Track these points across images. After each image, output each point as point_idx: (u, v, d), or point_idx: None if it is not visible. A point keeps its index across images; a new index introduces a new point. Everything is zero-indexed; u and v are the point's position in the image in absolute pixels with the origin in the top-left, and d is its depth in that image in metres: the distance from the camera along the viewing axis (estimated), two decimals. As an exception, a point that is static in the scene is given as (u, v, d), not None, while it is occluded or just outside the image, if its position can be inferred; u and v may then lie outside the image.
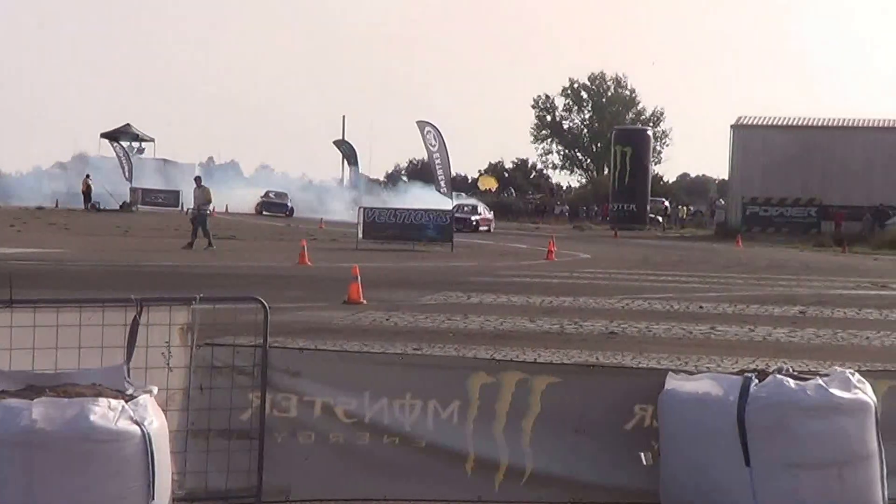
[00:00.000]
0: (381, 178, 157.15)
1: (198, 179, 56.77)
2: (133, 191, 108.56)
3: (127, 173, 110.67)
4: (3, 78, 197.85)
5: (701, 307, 31.34)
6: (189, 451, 10.41)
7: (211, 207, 55.15)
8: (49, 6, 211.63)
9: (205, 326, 10.55)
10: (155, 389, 9.48)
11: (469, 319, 26.60)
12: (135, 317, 9.98)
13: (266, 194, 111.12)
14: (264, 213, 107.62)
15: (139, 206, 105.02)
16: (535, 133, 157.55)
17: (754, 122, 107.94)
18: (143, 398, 9.15)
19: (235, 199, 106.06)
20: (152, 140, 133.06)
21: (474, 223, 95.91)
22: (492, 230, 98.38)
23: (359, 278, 30.32)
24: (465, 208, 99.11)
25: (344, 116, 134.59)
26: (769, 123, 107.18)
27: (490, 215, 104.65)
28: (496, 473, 11.11)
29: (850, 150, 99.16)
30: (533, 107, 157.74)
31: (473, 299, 31.83)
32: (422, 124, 65.51)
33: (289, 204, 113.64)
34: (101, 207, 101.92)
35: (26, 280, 27.67)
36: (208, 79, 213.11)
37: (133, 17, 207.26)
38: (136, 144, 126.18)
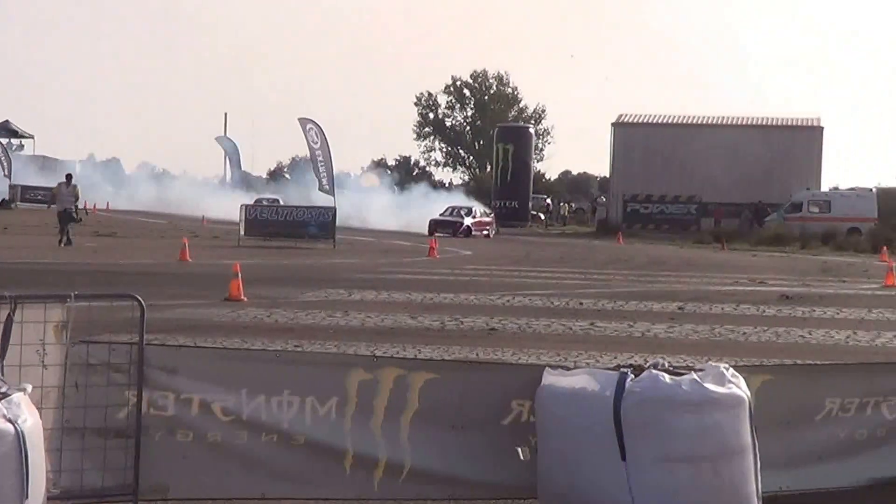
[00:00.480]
0: (264, 176, 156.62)
1: (68, 177, 56.79)
2: (12, 188, 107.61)
3: (5, 170, 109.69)
4: None
5: (581, 303, 31.53)
6: (64, 449, 10.31)
7: (80, 204, 54.67)
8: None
9: (80, 324, 10.46)
10: (29, 387, 9.41)
11: (350, 316, 26.62)
12: (8, 314, 9.88)
13: (258, 201, 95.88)
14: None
15: (18, 203, 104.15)
16: (417, 131, 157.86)
17: (635, 121, 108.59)
18: (17, 396, 9.07)
19: (218, 207, 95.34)
20: (31, 137, 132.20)
21: (465, 228, 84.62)
22: (492, 236, 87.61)
23: (240, 275, 30.23)
24: (456, 211, 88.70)
25: (226, 113, 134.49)
26: (650, 122, 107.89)
27: (489, 218, 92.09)
28: (375, 470, 11.08)
29: (730, 148, 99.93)
30: (416, 104, 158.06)
31: (355, 296, 31.85)
32: (303, 121, 65.40)
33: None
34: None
35: None
36: (88, 75, 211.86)
37: (9, 12, 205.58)
38: (14, 141, 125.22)
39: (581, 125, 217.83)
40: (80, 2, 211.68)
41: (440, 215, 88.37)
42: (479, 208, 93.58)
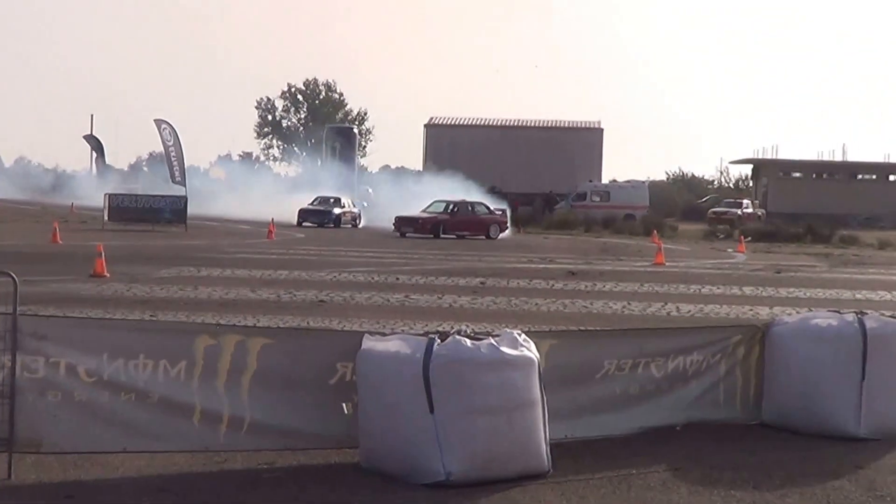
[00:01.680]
0: (125, 168, 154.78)
1: None
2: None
3: None
4: None
5: (397, 279, 31.60)
6: (-59, 410, 10.17)
7: None
8: None
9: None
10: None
11: (199, 290, 26.48)
12: None
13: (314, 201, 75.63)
14: (304, 224, 70.85)
15: None
16: (258, 130, 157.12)
17: (444, 123, 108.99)
18: None
19: (85, 196, 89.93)
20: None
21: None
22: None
23: (103, 255, 29.94)
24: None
25: (92, 115, 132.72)
26: (457, 123, 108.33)
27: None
28: (220, 425, 11.03)
29: (524, 146, 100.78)
30: (256, 107, 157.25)
31: (203, 273, 31.67)
32: (159, 122, 65.13)
33: (336, 211, 72.94)
34: None
35: None
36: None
37: None
38: None
39: (399, 126, 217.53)
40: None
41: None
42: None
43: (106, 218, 58.56)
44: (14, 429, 10.38)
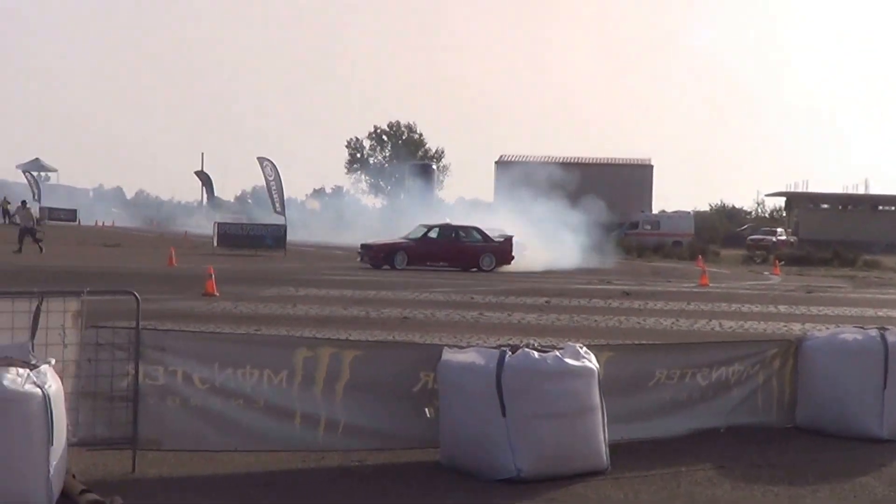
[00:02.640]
0: (232, 200, 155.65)
1: (23, 203, 58.16)
2: (41, 209, 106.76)
3: (36, 196, 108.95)
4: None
5: (472, 298, 31.55)
6: (80, 408, 10.27)
7: (32, 223, 54.34)
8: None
9: (92, 313, 10.42)
10: (53, 361, 9.37)
11: (297, 308, 26.58)
12: (38, 305, 9.84)
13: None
14: None
15: (47, 221, 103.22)
16: (348, 166, 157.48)
17: (512, 160, 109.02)
18: (44, 367, 9.04)
19: (197, 225, 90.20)
20: (56, 170, 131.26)
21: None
22: (490, 268, 50.25)
23: (213, 276, 30.15)
24: (453, 233, 52.04)
25: (203, 153, 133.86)
26: (523, 160, 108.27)
27: (507, 246, 51.76)
28: (318, 427, 11.09)
29: (584, 180, 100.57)
30: (346, 146, 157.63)
31: (301, 292, 31.72)
32: (261, 159, 65.33)
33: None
34: (17, 222, 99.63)
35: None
36: (100, 120, 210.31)
37: (41, 72, 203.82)
38: (43, 173, 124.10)
39: (472, 162, 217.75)
40: (86, 62, 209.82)
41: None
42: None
43: (215, 244, 58.84)
44: (137, 429, 10.49)
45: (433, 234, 51.48)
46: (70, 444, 9.50)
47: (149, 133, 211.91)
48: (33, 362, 9.15)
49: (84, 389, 10.36)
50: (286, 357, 11.09)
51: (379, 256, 48.85)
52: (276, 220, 62.79)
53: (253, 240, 59.53)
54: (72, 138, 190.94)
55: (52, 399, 8.83)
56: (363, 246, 50.86)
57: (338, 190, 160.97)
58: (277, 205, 64.49)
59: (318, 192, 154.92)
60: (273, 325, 22.07)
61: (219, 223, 62.97)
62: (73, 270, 38.06)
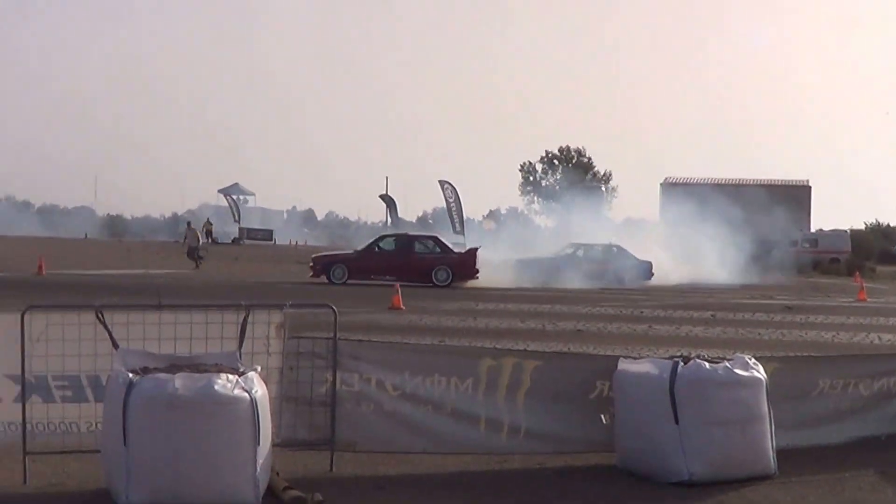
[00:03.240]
0: (414, 221, 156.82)
1: (189, 224, 59.44)
2: (240, 230, 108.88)
3: (236, 217, 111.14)
4: (154, 145, 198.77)
5: (642, 312, 31.32)
6: (283, 412, 10.43)
7: (197, 243, 55.51)
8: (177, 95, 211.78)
9: (294, 324, 10.59)
10: (259, 368, 9.51)
11: (477, 321, 26.64)
12: (245, 317, 10.01)
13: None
14: None
15: (245, 240, 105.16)
16: (521, 189, 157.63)
17: (677, 182, 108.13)
18: (251, 374, 9.18)
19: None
20: (253, 194, 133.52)
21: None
22: (445, 282, 44.05)
23: (399, 291, 30.43)
24: (408, 244, 46.43)
25: (387, 177, 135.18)
26: (687, 182, 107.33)
27: (469, 258, 45.53)
28: (501, 432, 11.11)
29: (745, 201, 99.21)
30: (520, 170, 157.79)
31: (480, 306, 31.83)
32: (442, 182, 65.83)
33: None
34: (219, 241, 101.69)
35: (169, 290, 27.77)
36: (292, 147, 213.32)
37: (243, 104, 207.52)
38: (242, 197, 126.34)
39: (638, 184, 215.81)
40: (280, 93, 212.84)
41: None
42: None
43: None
44: (335, 432, 10.61)
45: (383, 246, 45.93)
46: (274, 445, 9.63)
47: (338, 158, 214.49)
48: (241, 369, 9.32)
49: (286, 395, 10.53)
50: (472, 366, 11.14)
51: (317, 269, 43.94)
52: (455, 239, 63.10)
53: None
54: (268, 164, 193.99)
55: (258, 403, 8.97)
56: (312, 258, 46.37)
57: (512, 211, 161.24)
58: (457, 225, 64.88)
59: (494, 213, 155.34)
60: (456, 337, 22.15)
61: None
62: (272, 284, 38.69)
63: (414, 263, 43.84)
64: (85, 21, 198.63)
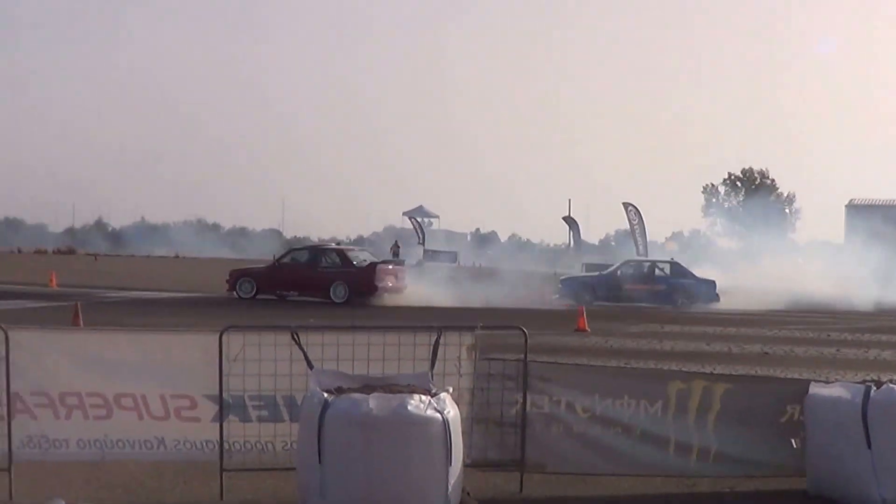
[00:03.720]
0: (596, 243, 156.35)
1: (395, 245, 59.62)
2: (425, 252, 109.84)
3: (421, 239, 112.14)
4: (341, 168, 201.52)
5: (829, 335, 30.63)
6: (474, 433, 10.47)
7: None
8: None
9: (484, 345, 10.63)
10: (451, 389, 9.56)
11: (663, 343, 26.37)
12: (437, 338, 10.07)
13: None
14: None
15: (429, 262, 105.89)
16: (704, 210, 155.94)
17: (862, 203, 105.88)
18: (443, 395, 9.24)
19: (564, 267, 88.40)
20: (437, 216, 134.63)
21: None
22: (341, 300, 40.58)
23: (584, 313, 30.33)
24: (313, 257, 42.58)
25: (570, 199, 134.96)
26: (873, 204, 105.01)
27: (368, 274, 41.62)
28: (690, 454, 10.99)
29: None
30: (702, 192, 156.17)
31: (666, 328, 31.52)
32: (626, 205, 65.44)
33: None
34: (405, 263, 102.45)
35: (362, 312, 28.07)
36: (476, 170, 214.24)
37: (429, 127, 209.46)
38: (426, 219, 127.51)
39: (821, 205, 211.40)
40: (459, 125, 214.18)
41: None
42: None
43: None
44: (525, 453, 10.62)
45: (289, 260, 42.74)
46: (464, 465, 9.66)
47: (521, 181, 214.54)
48: (433, 390, 9.39)
49: (477, 416, 10.57)
50: (660, 389, 11.05)
51: (230, 283, 41.54)
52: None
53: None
54: (452, 186, 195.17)
55: (450, 424, 9.02)
56: (230, 271, 43.24)
57: (694, 233, 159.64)
58: (641, 247, 64.47)
59: (676, 235, 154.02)
60: (641, 359, 21.96)
61: (586, 264, 63.32)
62: (460, 307, 38.84)
63: (315, 278, 40.87)
64: (282, 53, 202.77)
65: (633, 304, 44.32)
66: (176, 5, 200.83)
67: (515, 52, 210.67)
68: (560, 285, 46.84)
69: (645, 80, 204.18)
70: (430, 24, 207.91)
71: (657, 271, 46.24)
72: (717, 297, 44.82)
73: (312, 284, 40.62)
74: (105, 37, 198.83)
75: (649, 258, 51.95)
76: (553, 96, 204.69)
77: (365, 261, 42.20)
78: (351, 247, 49.68)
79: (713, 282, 45.85)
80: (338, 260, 41.67)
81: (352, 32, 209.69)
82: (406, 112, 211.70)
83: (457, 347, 10.40)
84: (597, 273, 49.24)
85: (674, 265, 46.97)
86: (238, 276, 42.07)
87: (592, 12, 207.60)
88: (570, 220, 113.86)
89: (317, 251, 43.37)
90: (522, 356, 10.59)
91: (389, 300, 40.49)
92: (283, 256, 43.82)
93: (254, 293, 40.85)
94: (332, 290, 40.27)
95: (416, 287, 44.62)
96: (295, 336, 9.95)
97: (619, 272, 46.91)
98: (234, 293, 41.08)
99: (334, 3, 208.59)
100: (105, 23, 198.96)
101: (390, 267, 42.92)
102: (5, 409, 10.22)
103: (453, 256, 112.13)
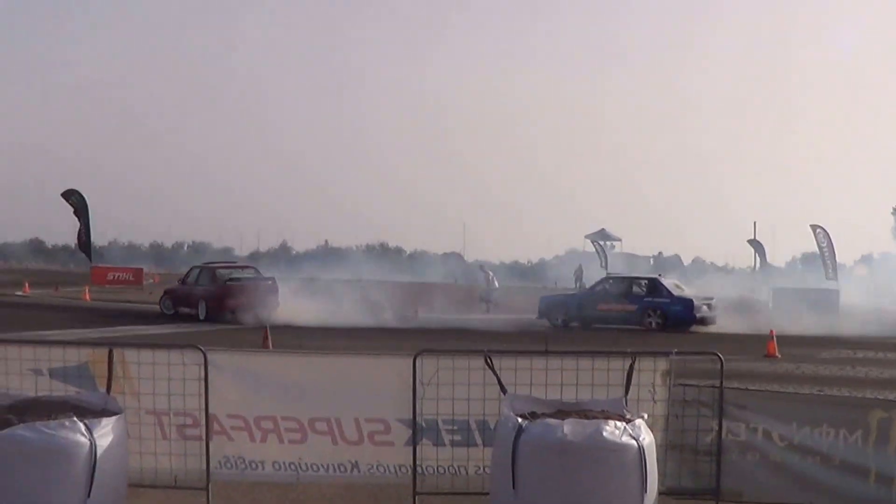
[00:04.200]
0: (782, 266, 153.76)
1: (578, 269, 59.24)
2: (607, 275, 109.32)
3: (603, 263, 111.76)
4: (521, 192, 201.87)
5: None
6: (668, 460, 10.36)
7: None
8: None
9: (678, 371, 10.51)
10: (645, 416, 9.47)
11: (856, 370, 25.72)
12: (631, 364, 10.00)
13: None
14: None
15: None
16: (894, 233, 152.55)
17: None
18: (638, 421, 9.16)
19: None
20: (620, 240, 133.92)
21: None
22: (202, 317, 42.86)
23: (774, 338, 29.80)
24: (205, 275, 45.09)
25: (755, 222, 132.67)
26: None
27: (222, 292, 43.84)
28: (892, 484, 10.66)
29: None
30: (892, 213, 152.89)
31: (859, 354, 30.73)
32: (814, 227, 64.36)
33: None
34: (587, 287, 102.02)
35: (555, 336, 28.01)
36: (657, 192, 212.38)
37: (610, 151, 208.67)
38: (609, 242, 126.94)
39: None
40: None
41: None
42: None
43: (770, 306, 58.15)
44: (720, 482, 10.45)
45: (193, 277, 44.90)
46: (659, 493, 9.56)
47: (704, 203, 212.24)
48: (628, 416, 9.31)
49: (671, 442, 10.46)
50: (860, 417, 10.72)
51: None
52: (828, 285, 61.45)
53: (810, 305, 58.44)
54: (634, 209, 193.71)
55: (645, 451, 8.94)
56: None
57: (885, 256, 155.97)
58: (830, 270, 63.25)
59: (866, 258, 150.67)
60: (836, 386, 21.40)
61: (775, 288, 62.26)
62: (648, 332, 38.50)
63: (212, 295, 42.72)
64: (462, 79, 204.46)
65: (603, 325, 42.09)
66: (377, 37, 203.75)
67: (696, 75, 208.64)
68: (539, 303, 45.40)
69: (831, 100, 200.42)
70: (609, 51, 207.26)
71: (634, 289, 43.31)
72: (694, 318, 41.66)
73: (214, 301, 42.16)
74: (309, 68, 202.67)
75: (631, 275, 49.06)
76: (737, 117, 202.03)
77: (232, 279, 43.61)
78: (230, 263, 53.29)
79: (690, 301, 42.27)
80: (206, 277, 43.88)
81: (527, 57, 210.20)
82: (587, 135, 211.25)
83: (650, 373, 10.32)
84: (573, 291, 46.89)
85: (652, 283, 43.71)
86: (163, 293, 45.71)
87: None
88: (755, 243, 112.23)
89: (213, 268, 45.32)
90: (718, 382, 10.45)
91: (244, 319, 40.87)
92: (189, 272, 45.79)
93: (174, 310, 43.62)
94: (199, 305, 42.56)
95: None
96: (488, 360, 9.98)
97: (594, 290, 45.08)
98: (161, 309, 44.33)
99: (504, 29, 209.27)
100: (332, 63, 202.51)
101: (241, 285, 43.34)
102: (203, 429, 10.46)
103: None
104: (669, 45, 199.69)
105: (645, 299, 42.25)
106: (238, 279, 44.01)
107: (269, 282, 44.40)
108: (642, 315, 41.68)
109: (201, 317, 41.93)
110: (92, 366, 10.47)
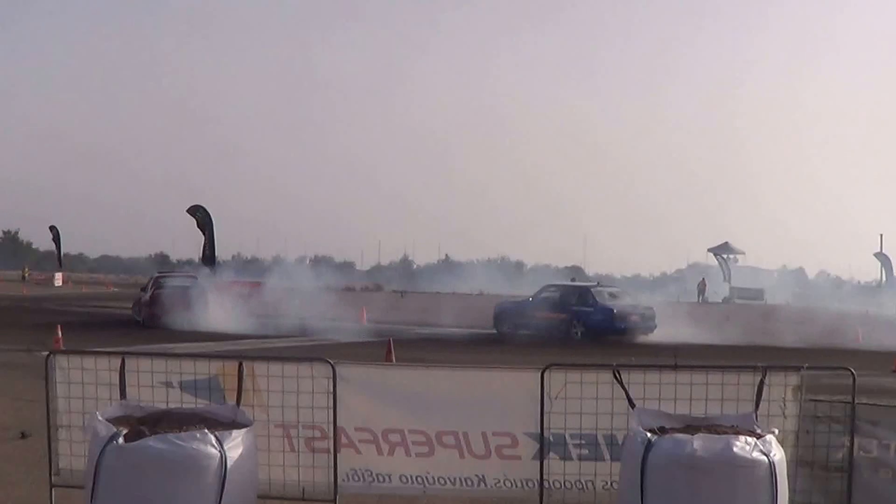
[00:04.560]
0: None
1: (701, 283, 58.59)
2: (731, 289, 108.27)
3: (726, 277, 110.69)
4: (645, 205, 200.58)
5: None
6: (798, 476, 10.22)
7: None
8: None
9: (809, 386, 10.38)
10: (776, 431, 9.36)
11: None
12: (761, 378, 9.90)
13: None
14: None
15: (735, 300, 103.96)
16: None
17: None
18: (769, 437, 9.05)
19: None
20: (743, 253, 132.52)
21: None
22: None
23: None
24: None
25: (881, 234, 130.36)
26: None
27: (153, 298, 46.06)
28: None
29: None
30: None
31: None
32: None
33: None
34: (709, 301, 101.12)
35: (686, 350, 27.86)
36: (781, 205, 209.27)
37: (733, 160, 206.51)
38: (732, 256, 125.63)
39: None
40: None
41: None
42: None
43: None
44: (851, 499, 10.30)
45: (158, 285, 46.43)
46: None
47: (829, 216, 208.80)
48: (758, 431, 9.21)
49: (802, 459, 10.31)
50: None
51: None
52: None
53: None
54: (758, 222, 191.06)
55: (776, 467, 8.82)
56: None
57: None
58: (960, 284, 62.15)
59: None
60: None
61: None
62: (774, 347, 38.08)
63: (146, 303, 44.64)
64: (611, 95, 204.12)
65: (538, 333, 41.46)
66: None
67: (824, 85, 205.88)
68: (494, 310, 45.40)
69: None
70: (737, 62, 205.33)
71: (568, 298, 42.95)
72: (614, 328, 41.22)
73: (140, 309, 45.00)
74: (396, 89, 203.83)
75: (572, 283, 48.95)
76: (864, 128, 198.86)
77: (160, 287, 45.51)
78: (175, 272, 55.32)
79: (610, 309, 41.55)
80: (150, 286, 45.92)
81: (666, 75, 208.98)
82: (714, 148, 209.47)
83: (780, 388, 10.19)
84: (522, 299, 46.04)
85: (584, 292, 43.31)
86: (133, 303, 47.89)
87: None
88: (881, 256, 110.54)
89: (159, 278, 47.39)
90: (850, 398, 10.30)
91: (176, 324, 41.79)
92: (146, 285, 47.21)
93: (142, 318, 44.43)
94: (142, 312, 44.74)
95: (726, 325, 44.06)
96: (617, 374, 9.95)
97: (537, 298, 44.27)
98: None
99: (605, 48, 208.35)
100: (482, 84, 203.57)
101: (167, 293, 44.98)
102: (331, 442, 10.57)
103: (760, 293, 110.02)
104: (795, 56, 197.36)
105: (572, 308, 42.15)
106: (164, 287, 45.88)
107: (197, 289, 45.68)
108: (569, 325, 41.78)
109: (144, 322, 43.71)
110: (221, 378, 10.62)
